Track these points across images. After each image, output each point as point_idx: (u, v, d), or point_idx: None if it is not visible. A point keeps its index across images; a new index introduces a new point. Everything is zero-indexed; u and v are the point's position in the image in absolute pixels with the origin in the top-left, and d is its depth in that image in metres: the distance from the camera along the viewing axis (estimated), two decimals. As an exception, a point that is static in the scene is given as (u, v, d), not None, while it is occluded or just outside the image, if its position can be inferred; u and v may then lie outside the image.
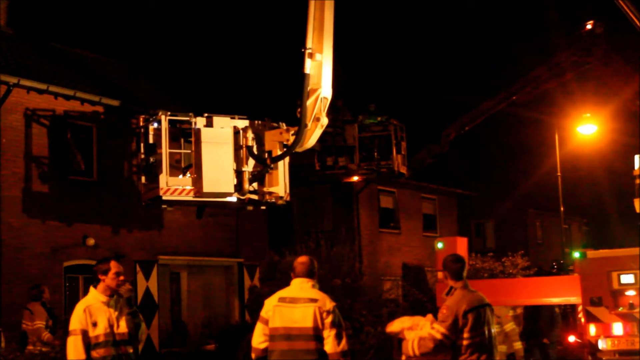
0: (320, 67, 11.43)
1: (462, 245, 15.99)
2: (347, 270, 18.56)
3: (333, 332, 6.55)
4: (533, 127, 35.22)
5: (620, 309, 13.93)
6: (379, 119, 18.16)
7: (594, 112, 25.02)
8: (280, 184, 12.95)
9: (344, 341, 6.58)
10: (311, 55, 11.27)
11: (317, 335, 6.57)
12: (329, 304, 6.65)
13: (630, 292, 13.95)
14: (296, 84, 11.59)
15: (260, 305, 7.03)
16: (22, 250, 15.82)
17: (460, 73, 50.61)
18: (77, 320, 6.68)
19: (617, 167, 36.47)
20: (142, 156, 13.67)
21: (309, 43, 11.29)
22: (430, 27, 52.99)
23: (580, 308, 14.40)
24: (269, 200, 13.07)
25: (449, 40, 54.39)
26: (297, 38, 11.63)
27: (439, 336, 6.46)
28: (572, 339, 16.23)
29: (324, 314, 6.57)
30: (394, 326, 7.08)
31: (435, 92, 42.62)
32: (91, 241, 16.95)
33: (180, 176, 13.14)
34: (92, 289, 6.89)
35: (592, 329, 13.94)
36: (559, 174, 26.85)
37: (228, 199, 12.87)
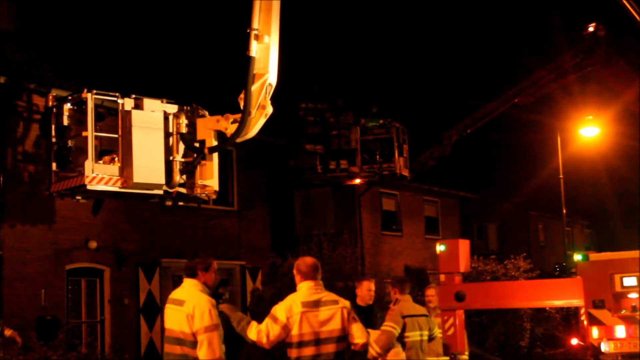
0: (267, 51, 10.39)
1: (464, 248, 15.76)
2: (349, 273, 18.54)
3: (359, 324, 6.63)
4: (535, 130, 35.26)
5: (623, 311, 13.93)
6: (381, 121, 18.14)
7: (596, 114, 24.97)
8: (214, 176, 11.77)
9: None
10: (257, 37, 10.27)
11: (344, 336, 6.59)
12: (346, 301, 6.73)
13: (633, 295, 13.95)
14: (224, 70, 10.13)
15: (262, 308, 7.00)
16: (25, 253, 15.81)
17: (463, 75, 50.62)
18: None
19: (620, 169, 36.54)
20: (54, 140, 12.15)
21: (255, 24, 10.27)
22: (433, 29, 53.06)
23: (582, 311, 14.38)
24: (199, 195, 11.91)
25: (451, 42, 54.39)
26: (225, 21, 10.09)
27: (393, 330, 8.48)
28: (574, 341, 16.20)
29: (345, 312, 6.60)
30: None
31: (437, 94, 42.65)
32: (93, 244, 16.94)
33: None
34: None
35: (595, 332, 13.94)
36: (561, 176, 26.82)
37: (155, 191, 11.54)
